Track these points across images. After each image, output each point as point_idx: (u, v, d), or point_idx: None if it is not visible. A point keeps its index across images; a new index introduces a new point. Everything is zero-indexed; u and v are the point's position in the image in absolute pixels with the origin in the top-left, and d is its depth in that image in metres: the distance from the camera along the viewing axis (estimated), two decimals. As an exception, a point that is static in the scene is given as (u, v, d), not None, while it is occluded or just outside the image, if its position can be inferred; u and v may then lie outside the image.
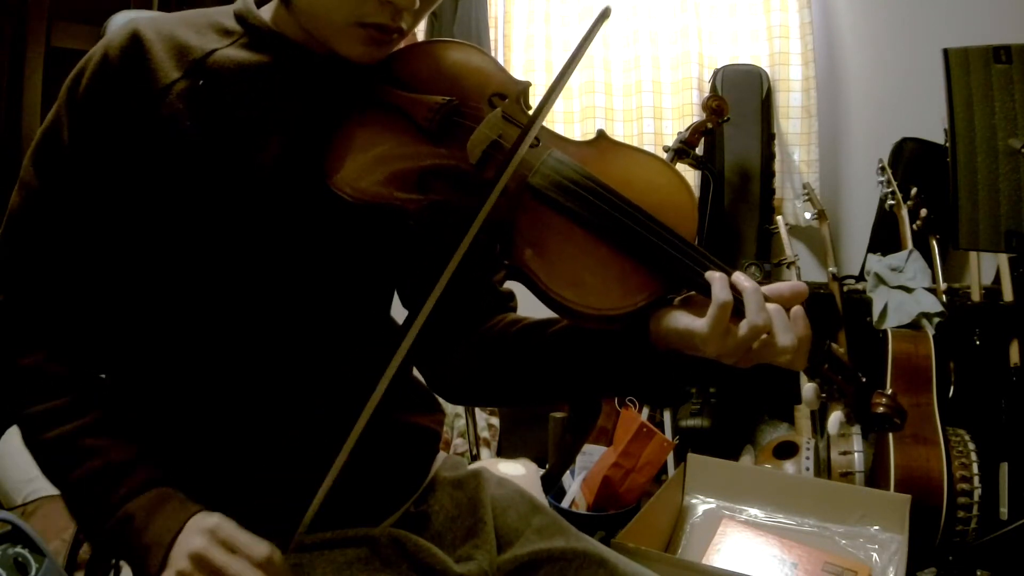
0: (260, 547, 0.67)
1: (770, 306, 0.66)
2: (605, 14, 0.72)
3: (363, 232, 0.78)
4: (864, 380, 0.73)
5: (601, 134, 0.79)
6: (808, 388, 0.71)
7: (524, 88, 0.80)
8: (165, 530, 0.68)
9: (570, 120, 2.62)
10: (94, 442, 0.72)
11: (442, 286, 0.65)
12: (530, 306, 0.84)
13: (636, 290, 0.69)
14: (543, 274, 0.70)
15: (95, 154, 0.73)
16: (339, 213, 0.74)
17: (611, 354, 0.75)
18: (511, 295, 0.90)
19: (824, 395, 0.72)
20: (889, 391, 0.73)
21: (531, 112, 0.80)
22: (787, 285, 0.69)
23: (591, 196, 0.71)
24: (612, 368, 0.76)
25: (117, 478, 0.71)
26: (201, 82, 0.74)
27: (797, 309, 0.67)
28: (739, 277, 0.67)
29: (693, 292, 0.71)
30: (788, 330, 0.65)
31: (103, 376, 0.83)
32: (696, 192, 2.52)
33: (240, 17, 0.79)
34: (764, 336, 0.65)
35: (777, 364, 0.68)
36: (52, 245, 0.74)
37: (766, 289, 0.68)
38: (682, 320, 0.68)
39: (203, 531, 0.68)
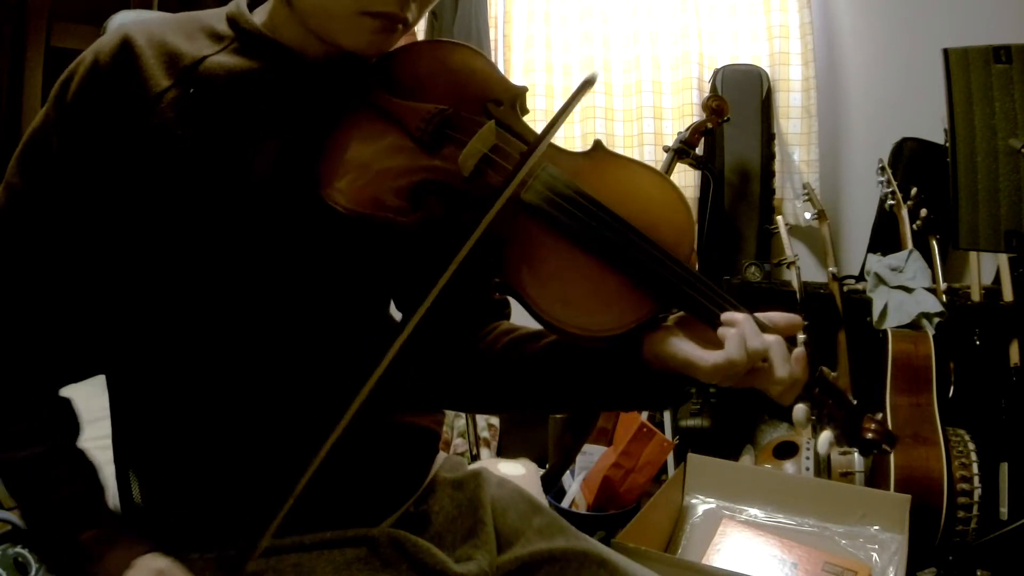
0: None
1: (770, 337, 0.66)
2: (590, 81, 0.70)
3: (356, 241, 0.77)
4: (855, 404, 0.74)
5: (597, 145, 0.77)
6: (799, 409, 0.71)
7: (520, 93, 0.78)
8: (117, 563, 0.71)
9: (570, 120, 2.62)
10: (56, 471, 0.74)
11: (429, 302, 0.64)
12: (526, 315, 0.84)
13: (627, 311, 0.69)
14: (533, 292, 0.69)
15: (83, 160, 0.72)
16: (332, 222, 0.73)
17: (601, 370, 0.75)
18: (505, 303, 0.90)
19: (814, 417, 0.72)
20: (879, 416, 0.74)
21: (528, 116, 0.79)
22: (782, 316, 0.69)
23: (583, 214, 0.70)
24: (602, 383, 0.76)
25: (75, 508, 0.73)
26: (192, 90, 0.73)
27: (799, 351, 0.67)
28: (729, 315, 0.67)
29: (683, 312, 0.71)
30: (785, 362, 0.66)
31: (103, 375, 0.83)
32: (696, 192, 2.52)
33: (232, 21, 0.78)
34: (761, 363, 0.66)
35: (766, 393, 0.68)
36: (34, 250, 0.73)
37: (761, 317, 0.68)
38: (682, 349, 0.68)
39: (152, 571, 0.70)
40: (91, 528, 0.72)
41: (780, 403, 0.69)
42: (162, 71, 0.73)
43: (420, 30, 2.47)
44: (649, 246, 0.69)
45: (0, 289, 0.74)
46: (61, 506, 0.72)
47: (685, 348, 0.68)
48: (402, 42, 0.79)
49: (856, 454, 1.92)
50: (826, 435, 0.74)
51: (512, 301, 0.77)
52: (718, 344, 0.67)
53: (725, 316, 0.67)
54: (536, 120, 2.58)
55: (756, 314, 0.68)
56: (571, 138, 2.62)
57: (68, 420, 0.78)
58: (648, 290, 0.69)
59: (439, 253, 0.66)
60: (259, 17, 0.78)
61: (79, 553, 0.72)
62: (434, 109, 0.74)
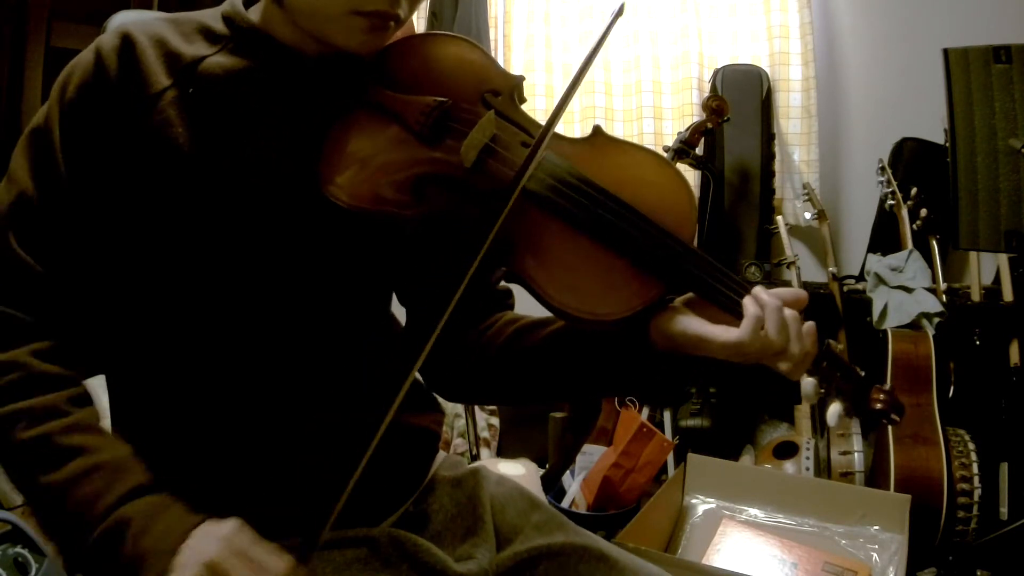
0: (280, 562, 0.61)
1: (788, 312, 0.67)
2: (620, 11, 0.71)
3: (359, 236, 0.78)
4: (862, 375, 0.74)
5: (597, 130, 0.78)
6: (807, 383, 0.72)
7: (518, 83, 0.79)
8: (168, 534, 0.62)
9: (570, 120, 2.62)
10: (83, 439, 0.65)
11: (451, 308, 0.64)
12: (529, 304, 0.84)
13: (635, 294, 0.69)
14: (541, 280, 0.69)
15: (83, 156, 0.72)
16: (334, 218, 0.73)
17: (609, 355, 0.75)
18: (508, 292, 0.90)
19: (823, 391, 0.73)
20: (887, 386, 0.74)
21: (527, 110, 0.80)
22: (790, 291, 0.70)
23: (586, 200, 0.70)
24: (610, 369, 0.76)
25: (110, 479, 0.64)
26: (191, 90, 0.73)
27: (809, 325, 0.68)
28: (760, 292, 0.68)
29: (691, 294, 0.71)
30: (798, 339, 0.67)
31: (105, 376, 0.83)
32: (696, 192, 2.52)
33: (228, 19, 0.78)
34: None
35: (774, 368, 0.69)
36: (40, 245, 0.72)
37: (771, 293, 0.69)
38: (691, 326, 0.69)
39: (219, 538, 0.61)
40: (129, 500, 0.63)
41: (789, 378, 0.69)
42: (162, 70, 0.73)
43: (420, 30, 2.47)
44: (652, 228, 0.69)
45: (8, 278, 0.72)
46: (85, 481, 0.63)
47: (695, 325, 0.69)
48: (398, 36, 0.79)
49: (856, 454, 1.92)
50: (835, 407, 0.74)
51: (516, 289, 0.77)
52: (728, 320, 0.67)
53: (746, 300, 0.68)
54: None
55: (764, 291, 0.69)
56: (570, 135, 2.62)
57: (87, 397, 0.71)
58: (654, 272, 0.69)
59: (444, 246, 0.65)
60: (254, 16, 0.78)
61: (116, 534, 0.61)
62: (433, 102, 0.74)
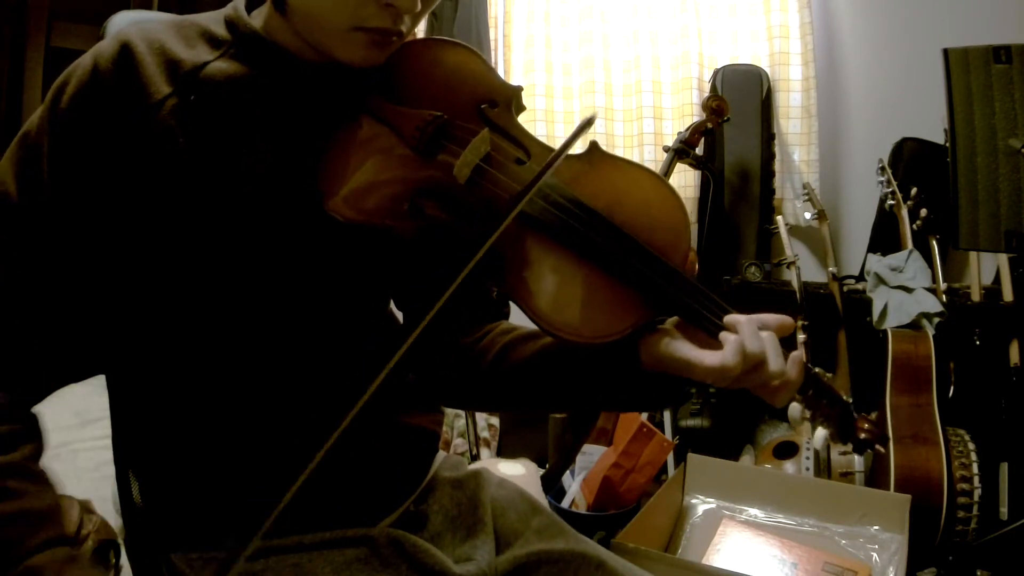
0: None
1: (764, 334, 0.67)
2: (590, 121, 0.70)
3: (356, 246, 0.77)
4: (849, 403, 0.75)
5: (594, 146, 0.77)
6: (794, 407, 0.72)
7: (515, 93, 0.78)
8: None
9: (570, 120, 2.62)
10: (15, 484, 0.66)
11: (427, 321, 0.63)
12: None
13: (623, 316, 0.69)
14: (531, 301, 0.69)
15: (76, 164, 0.71)
16: (332, 228, 0.73)
17: (596, 373, 0.75)
18: (504, 302, 0.90)
19: (808, 416, 0.73)
20: (872, 416, 0.75)
21: (528, 116, 0.79)
22: (773, 317, 0.70)
23: (578, 223, 0.70)
24: (596, 387, 0.76)
25: (30, 527, 0.66)
26: (192, 97, 0.72)
27: (796, 355, 0.68)
28: (731, 317, 0.68)
29: (678, 318, 0.71)
30: (778, 355, 0.67)
31: (103, 375, 0.83)
32: (696, 192, 2.53)
33: (231, 24, 0.77)
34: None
35: (760, 395, 0.69)
36: (27, 252, 0.70)
37: (754, 319, 0.69)
38: (679, 350, 0.69)
39: None
40: (42, 550, 0.65)
41: (774, 405, 0.69)
42: (163, 78, 0.72)
43: (420, 30, 2.47)
44: (644, 253, 0.69)
45: None
46: (10, 524, 0.65)
47: (682, 349, 0.68)
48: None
49: (856, 454, 1.92)
50: (821, 433, 0.76)
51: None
52: (715, 345, 0.67)
53: (727, 320, 0.67)
54: (536, 120, 2.58)
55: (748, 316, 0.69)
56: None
57: (33, 437, 0.70)
58: (643, 296, 0.69)
59: (439, 256, 0.65)
60: (256, 21, 0.78)
61: None
62: (429, 116, 0.73)
